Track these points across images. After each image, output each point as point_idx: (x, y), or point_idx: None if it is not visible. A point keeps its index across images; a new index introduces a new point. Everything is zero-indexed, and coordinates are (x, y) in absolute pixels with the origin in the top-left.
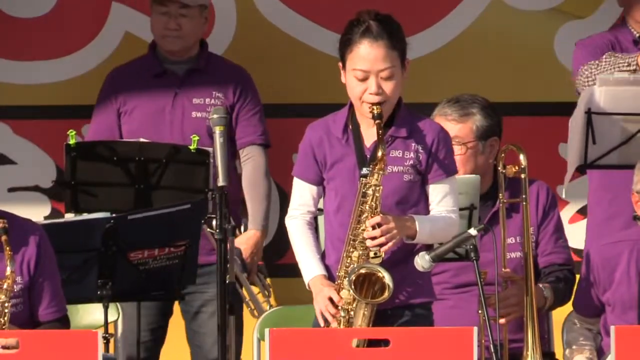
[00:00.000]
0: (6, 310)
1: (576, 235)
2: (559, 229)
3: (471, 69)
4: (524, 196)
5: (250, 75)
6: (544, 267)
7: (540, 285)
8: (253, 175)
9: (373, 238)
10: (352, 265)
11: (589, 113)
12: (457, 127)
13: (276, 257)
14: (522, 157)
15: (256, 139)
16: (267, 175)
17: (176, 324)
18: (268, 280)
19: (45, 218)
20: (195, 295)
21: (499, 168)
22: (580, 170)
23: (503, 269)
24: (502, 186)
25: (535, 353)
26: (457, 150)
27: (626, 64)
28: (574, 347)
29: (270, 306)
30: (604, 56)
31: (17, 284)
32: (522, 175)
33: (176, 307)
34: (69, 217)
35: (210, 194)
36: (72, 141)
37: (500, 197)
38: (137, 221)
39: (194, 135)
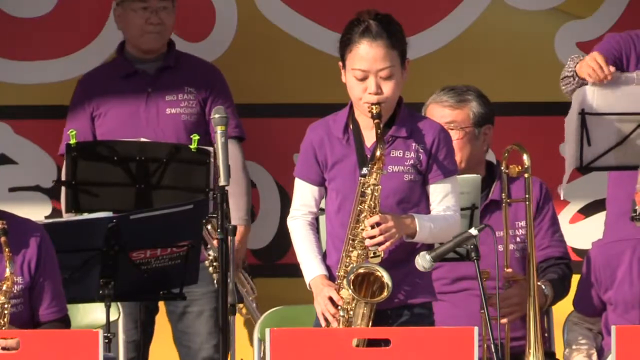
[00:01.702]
0: (6, 312)
1: (577, 235)
2: (554, 222)
3: (472, 69)
4: (527, 196)
5: (220, 70)
6: (541, 262)
7: (541, 284)
8: (231, 171)
9: (372, 237)
10: (351, 265)
11: (582, 114)
12: (454, 112)
13: (276, 257)
14: (525, 157)
15: (230, 132)
16: (245, 169)
17: (165, 323)
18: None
19: (46, 218)
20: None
21: (502, 168)
22: (580, 171)
23: (505, 269)
24: (506, 186)
25: (537, 352)
26: (454, 135)
27: (570, 69)
28: (573, 347)
29: (257, 305)
30: (569, 58)
31: (17, 284)
32: (526, 175)
33: (161, 306)
34: (69, 216)
35: (212, 194)
36: (72, 141)
37: (504, 197)
38: (140, 221)
39: (194, 135)
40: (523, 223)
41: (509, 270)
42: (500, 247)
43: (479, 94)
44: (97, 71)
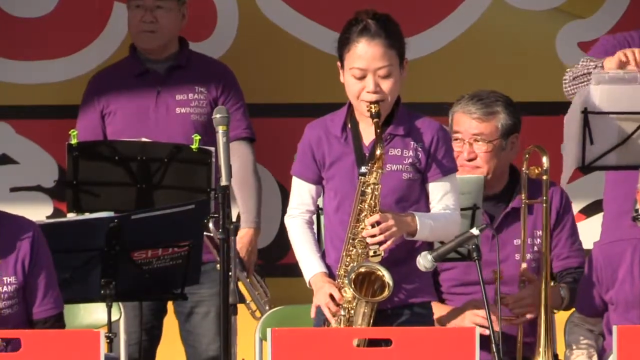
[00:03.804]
0: None
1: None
2: (573, 233)
3: (472, 69)
4: (544, 198)
5: (232, 71)
6: (559, 271)
7: (558, 286)
8: (242, 172)
9: (372, 236)
10: (351, 264)
11: (585, 113)
12: (482, 125)
13: (277, 257)
14: (544, 158)
15: (241, 133)
16: (256, 171)
17: (171, 323)
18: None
19: (48, 218)
20: (187, 295)
21: (523, 169)
22: (582, 170)
23: (521, 269)
24: (525, 186)
25: (546, 354)
26: (482, 147)
27: (593, 66)
28: (574, 348)
29: (270, 307)
30: (582, 59)
31: (11, 284)
32: (544, 177)
33: (170, 306)
34: (71, 216)
35: (213, 194)
36: (74, 141)
37: (523, 198)
38: (141, 221)
39: (195, 135)
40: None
41: (524, 266)
42: (517, 256)
43: (507, 103)
44: (108, 70)
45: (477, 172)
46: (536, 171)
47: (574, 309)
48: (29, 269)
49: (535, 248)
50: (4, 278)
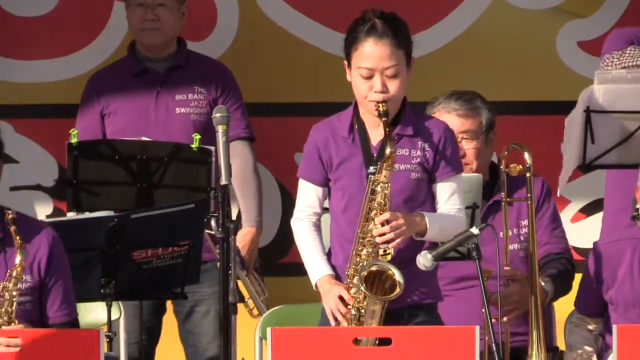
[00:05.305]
0: (14, 300)
1: (579, 234)
2: (554, 219)
3: (473, 68)
4: (529, 195)
5: (231, 71)
6: (541, 259)
7: (540, 280)
8: (242, 171)
9: (382, 235)
10: (361, 264)
11: (587, 112)
12: (468, 121)
13: (278, 256)
14: (527, 155)
15: (241, 132)
16: (256, 170)
17: (171, 322)
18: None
19: (48, 217)
20: (187, 294)
21: (501, 167)
22: (581, 169)
23: (505, 267)
24: (505, 185)
25: (540, 352)
26: (469, 144)
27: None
28: (574, 349)
29: (267, 306)
30: (629, 48)
31: (26, 282)
32: (528, 174)
33: (169, 305)
34: (71, 215)
35: (213, 193)
36: (74, 140)
37: (503, 197)
38: (141, 220)
39: (195, 134)
40: (525, 222)
41: (507, 268)
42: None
43: (483, 100)
44: (107, 69)
45: (466, 169)
46: (517, 168)
47: (573, 309)
48: (45, 270)
49: (521, 238)
50: None
